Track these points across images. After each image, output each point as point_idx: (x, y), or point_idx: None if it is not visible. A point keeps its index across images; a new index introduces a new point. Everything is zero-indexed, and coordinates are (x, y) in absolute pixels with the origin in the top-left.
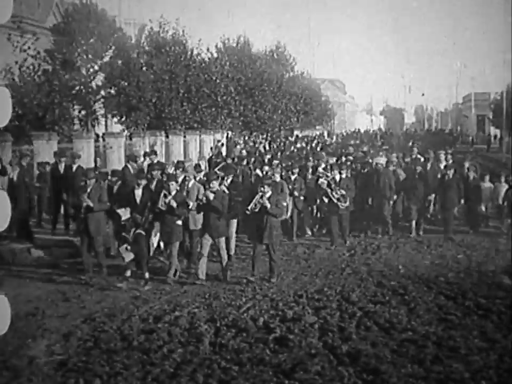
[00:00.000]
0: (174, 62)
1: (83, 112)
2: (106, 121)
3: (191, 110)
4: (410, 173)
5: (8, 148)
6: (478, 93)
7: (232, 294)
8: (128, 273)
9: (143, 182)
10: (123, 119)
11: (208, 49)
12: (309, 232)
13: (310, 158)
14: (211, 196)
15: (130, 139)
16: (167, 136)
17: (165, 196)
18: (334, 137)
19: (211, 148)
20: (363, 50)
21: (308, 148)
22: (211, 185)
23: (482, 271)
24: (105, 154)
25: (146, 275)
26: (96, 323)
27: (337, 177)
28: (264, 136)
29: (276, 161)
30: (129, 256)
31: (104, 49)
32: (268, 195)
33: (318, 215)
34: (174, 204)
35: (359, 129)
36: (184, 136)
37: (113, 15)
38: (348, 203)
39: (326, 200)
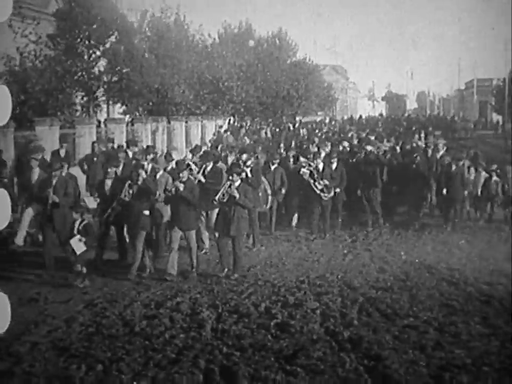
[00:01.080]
0: (175, 48)
1: (85, 98)
2: (108, 107)
3: (193, 95)
4: (409, 162)
5: (10, 134)
6: (480, 79)
7: (234, 280)
8: (79, 267)
9: (113, 170)
10: (125, 105)
11: (209, 35)
12: (293, 224)
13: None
14: (181, 187)
15: (132, 125)
16: (169, 122)
17: (130, 186)
18: (336, 123)
19: (213, 134)
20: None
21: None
22: (181, 175)
23: (484, 257)
24: (107, 140)
25: (84, 270)
26: (98, 309)
27: (321, 167)
28: (268, 122)
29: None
30: (80, 248)
31: (106, 35)
32: (236, 184)
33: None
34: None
35: (360, 115)
36: (186, 122)
37: (115, 0)
38: (331, 194)
39: (308, 190)
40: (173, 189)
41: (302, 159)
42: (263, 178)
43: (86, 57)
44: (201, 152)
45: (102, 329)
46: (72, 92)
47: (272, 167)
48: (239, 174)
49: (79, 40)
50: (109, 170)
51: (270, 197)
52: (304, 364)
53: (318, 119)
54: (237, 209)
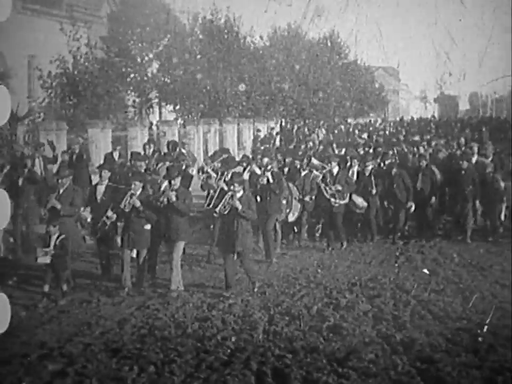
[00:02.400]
0: (227, 50)
1: (137, 100)
2: (160, 109)
3: (244, 97)
4: (455, 170)
5: (63, 136)
6: None
7: (286, 282)
8: (64, 287)
9: (106, 174)
10: (177, 107)
11: (261, 37)
12: (317, 234)
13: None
14: (173, 196)
15: (184, 127)
16: (220, 124)
17: (131, 196)
18: (388, 125)
19: (264, 136)
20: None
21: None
22: (172, 182)
23: None
24: (159, 142)
25: (64, 287)
26: (150, 310)
27: (335, 171)
28: (320, 124)
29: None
30: (44, 260)
31: (159, 37)
32: (239, 195)
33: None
34: (138, 204)
35: (412, 117)
36: (238, 124)
37: (168, 2)
38: (345, 200)
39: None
40: (165, 199)
41: (315, 161)
42: (290, 185)
43: (138, 59)
44: (222, 158)
45: (154, 331)
46: (125, 94)
47: (303, 173)
48: (241, 184)
49: (131, 42)
50: (103, 174)
51: (298, 205)
52: (356, 367)
53: (371, 120)
54: (240, 222)
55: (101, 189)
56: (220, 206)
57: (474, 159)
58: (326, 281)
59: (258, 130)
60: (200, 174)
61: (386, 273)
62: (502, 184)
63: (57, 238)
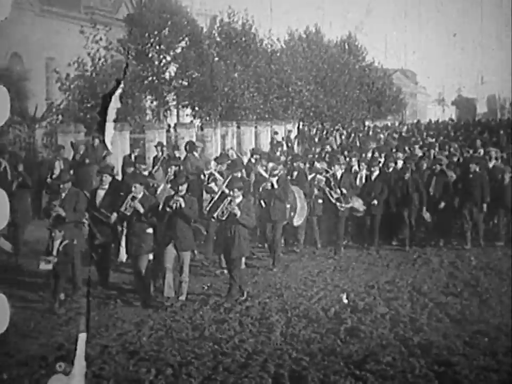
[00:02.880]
0: (244, 53)
1: (155, 103)
2: (178, 112)
3: (262, 100)
4: (466, 173)
5: (81, 138)
6: None
7: (303, 285)
8: (62, 296)
9: (107, 179)
10: (195, 109)
11: (278, 39)
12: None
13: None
14: (182, 202)
15: (202, 130)
16: (238, 127)
17: (133, 199)
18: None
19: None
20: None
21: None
22: (180, 188)
23: None
24: (177, 144)
25: (61, 296)
26: (167, 312)
27: (339, 174)
28: (337, 127)
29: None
30: (46, 267)
31: (177, 40)
32: (238, 200)
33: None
34: (139, 207)
35: (430, 120)
36: (256, 127)
37: (185, 5)
38: (350, 204)
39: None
40: (174, 204)
41: (317, 165)
42: (296, 188)
43: (156, 62)
44: (229, 161)
45: (171, 333)
46: (142, 97)
47: (309, 177)
48: (240, 189)
49: (149, 45)
50: (104, 178)
51: (305, 209)
52: (374, 369)
53: (389, 123)
54: (238, 229)
55: (101, 193)
56: (218, 211)
57: (491, 164)
58: (344, 284)
59: (276, 133)
60: (207, 177)
61: (403, 276)
62: None
63: (61, 243)
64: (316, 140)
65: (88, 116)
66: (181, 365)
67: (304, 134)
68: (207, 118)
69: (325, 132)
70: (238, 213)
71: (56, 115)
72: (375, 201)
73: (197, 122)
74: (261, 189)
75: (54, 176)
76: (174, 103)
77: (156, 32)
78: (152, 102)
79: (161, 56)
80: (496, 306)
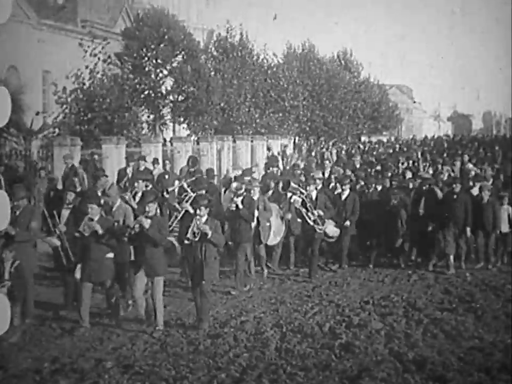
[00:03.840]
0: (241, 67)
1: (151, 117)
2: (174, 126)
3: (258, 115)
4: (449, 192)
5: (77, 151)
6: None
7: (299, 300)
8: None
9: (71, 196)
10: (191, 123)
11: (274, 54)
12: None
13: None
14: (146, 224)
15: (198, 144)
16: (234, 141)
17: (90, 220)
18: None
19: (278, 153)
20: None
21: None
22: (147, 208)
23: None
24: (173, 158)
25: (16, 321)
26: (162, 327)
27: (314, 194)
28: (332, 142)
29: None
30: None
31: (173, 54)
32: (203, 219)
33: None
34: (98, 228)
35: (426, 136)
36: (252, 141)
37: (182, 19)
38: (326, 226)
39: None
40: (136, 226)
41: (292, 185)
42: (275, 206)
43: (153, 75)
44: (193, 178)
45: (166, 347)
46: (139, 110)
47: (289, 195)
48: (206, 207)
49: (146, 58)
50: (68, 197)
51: (282, 228)
52: None
53: (384, 139)
54: (208, 249)
55: (65, 213)
56: (189, 232)
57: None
58: (338, 299)
59: (268, 149)
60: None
61: (398, 292)
62: (505, 208)
63: (12, 264)
64: (313, 154)
65: (84, 129)
66: (175, 379)
67: (300, 149)
68: (203, 132)
69: (323, 147)
70: (210, 232)
71: (53, 128)
72: (348, 223)
73: (193, 136)
74: (227, 212)
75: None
76: (170, 117)
77: (152, 46)
78: (148, 116)
79: (158, 70)
80: (491, 322)
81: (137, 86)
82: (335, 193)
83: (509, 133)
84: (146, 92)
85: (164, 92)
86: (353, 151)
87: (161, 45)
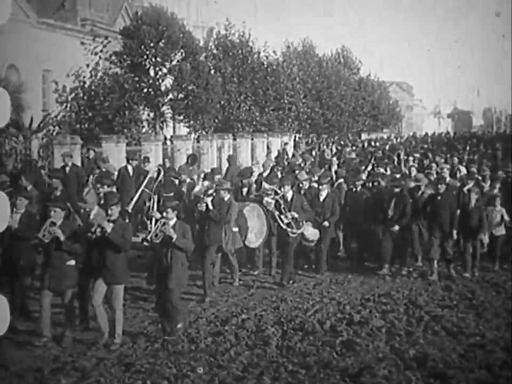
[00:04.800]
0: (241, 65)
1: (151, 115)
2: (174, 124)
3: (258, 112)
4: (433, 194)
5: (77, 150)
6: None
7: (299, 297)
8: None
9: (23, 202)
10: (191, 121)
11: (274, 52)
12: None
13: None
14: (109, 227)
15: (198, 142)
16: (234, 139)
17: (52, 224)
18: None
19: (278, 151)
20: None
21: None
22: (109, 211)
23: None
24: (173, 157)
25: None
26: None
27: (289, 195)
28: (333, 139)
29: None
30: None
31: (173, 52)
32: (172, 223)
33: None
34: (59, 234)
35: (426, 133)
36: (252, 139)
37: (181, 17)
38: (301, 230)
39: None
40: (98, 230)
41: (266, 185)
42: (255, 206)
43: (152, 74)
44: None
45: (167, 346)
46: (139, 109)
47: (289, 196)
48: (174, 210)
49: (145, 57)
50: (17, 202)
51: (264, 230)
52: (369, 382)
53: (385, 136)
54: (175, 254)
55: (16, 217)
56: (151, 233)
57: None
58: (339, 297)
59: (286, 144)
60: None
61: (399, 289)
62: (497, 209)
63: None
64: (313, 152)
65: (84, 128)
66: (176, 377)
67: (299, 147)
68: (203, 130)
69: (324, 145)
70: (174, 236)
71: (53, 126)
72: (326, 223)
73: (193, 134)
74: (196, 213)
75: None
76: (170, 115)
77: (152, 44)
78: (148, 114)
79: (157, 68)
80: (492, 319)
81: (137, 85)
82: (313, 193)
83: (509, 129)
84: (146, 90)
85: (163, 90)
86: (347, 149)
87: (161, 43)
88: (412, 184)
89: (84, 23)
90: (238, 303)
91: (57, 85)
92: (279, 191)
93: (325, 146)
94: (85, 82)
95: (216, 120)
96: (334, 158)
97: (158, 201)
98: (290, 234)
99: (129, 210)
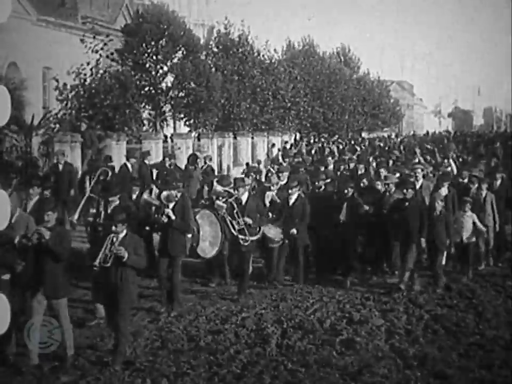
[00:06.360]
0: (241, 63)
1: (152, 113)
2: (174, 122)
3: (258, 111)
4: (399, 201)
5: (77, 149)
6: None
7: (299, 296)
8: None
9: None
10: (191, 120)
11: (275, 50)
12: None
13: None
14: (46, 235)
15: (199, 140)
16: (235, 137)
17: None
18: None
19: (278, 149)
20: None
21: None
22: (46, 218)
23: None
24: (174, 155)
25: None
26: (163, 323)
27: (244, 198)
28: (334, 138)
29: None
30: None
31: (173, 51)
32: (121, 236)
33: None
34: None
35: (427, 131)
36: (252, 138)
37: (182, 16)
38: (258, 235)
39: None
40: (35, 237)
41: (218, 187)
42: (207, 213)
43: (153, 72)
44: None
45: (167, 344)
46: (140, 107)
47: (244, 200)
48: (124, 223)
49: (146, 55)
50: None
51: (219, 237)
52: (369, 381)
53: (385, 135)
54: (126, 273)
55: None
56: (100, 255)
57: (418, 184)
58: (339, 295)
59: (286, 142)
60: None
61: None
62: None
63: None
64: (313, 151)
65: (85, 126)
66: (176, 376)
67: (299, 145)
68: (204, 129)
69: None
70: (125, 255)
71: (53, 124)
72: (294, 231)
73: (194, 132)
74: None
75: None
76: (171, 113)
77: (153, 43)
78: (149, 113)
79: (158, 67)
80: (491, 319)
81: (138, 83)
82: (282, 197)
83: (509, 128)
84: (146, 88)
85: (164, 88)
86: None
87: (162, 41)
88: (379, 186)
89: (85, 20)
90: (238, 301)
91: (57, 83)
92: (233, 193)
93: (325, 145)
94: (85, 80)
95: (217, 119)
96: (330, 158)
97: (105, 207)
98: (242, 242)
99: (75, 221)
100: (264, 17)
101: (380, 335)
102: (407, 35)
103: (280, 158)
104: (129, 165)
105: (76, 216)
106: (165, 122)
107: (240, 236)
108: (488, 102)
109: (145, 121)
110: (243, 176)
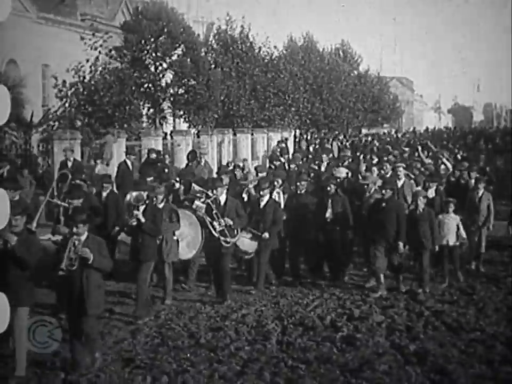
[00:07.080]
0: (241, 60)
1: (151, 110)
2: (174, 119)
3: (258, 108)
4: (377, 202)
5: (77, 145)
6: None
7: (299, 293)
8: None
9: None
10: (191, 117)
11: (275, 47)
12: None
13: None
14: (13, 240)
15: (198, 137)
16: (234, 134)
17: None
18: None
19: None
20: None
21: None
22: (13, 222)
23: None
24: (173, 152)
25: None
26: (163, 320)
27: (222, 199)
28: (334, 134)
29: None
30: None
31: (173, 47)
32: (83, 238)
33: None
34: None
35: (427, 127)
36: (252, 134)
37: (181, 12)
38: (236, 238)
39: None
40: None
41: (196, 187)
42: (187, 214)
43: (152, 69)
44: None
45: (167, 341)
46: (139, 104)
47: (223, 200)
48: (85, 223)
49: (145, 52)
50: None
51: (198, 239)
52: (370, 378)
53: (385, 131)
54: (91, 276)
55: None
56: (64, 260)
57: (400, 183)
58: (340, 292)
59: (286, 139)
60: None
61: (399, 284)
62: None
63: None
64: (311, 149)
65: (84, 123)
66: (176, 372)
67: (299, 142)
68: (203, 126)
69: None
70: (90, 257)
71: (53, 121)
72: (266, 235)
73: (193, 129)
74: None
75: None
76: (170, 110)
77: (152, 39)
78: (148, 110)
79: (158, 63)
80: (492, 315)
81: (137, 80)
82: (252, 199)
83: (509, 124)
84: (146, 85)
85: (163, 85)
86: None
87: (161, 38)
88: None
89: (84, 17)
90: (238, 298)
91: (57, 80)
92: (210, 194)
93: (325, 142)
94: (84, 77)
95: (216, 116)
96: (324, 155)
97: (66, 211)
98: (224, 244)
99: (33, 229)
100: (264, 13)
101: (380, 332)
102: (407, 31)
103: (278, 154)
104: (128, 162)
105: (34, 224)
106: (164, 120)
107: (221, 238)
108: (488, 98)
109: (144, 118)
110: (220, 176)
